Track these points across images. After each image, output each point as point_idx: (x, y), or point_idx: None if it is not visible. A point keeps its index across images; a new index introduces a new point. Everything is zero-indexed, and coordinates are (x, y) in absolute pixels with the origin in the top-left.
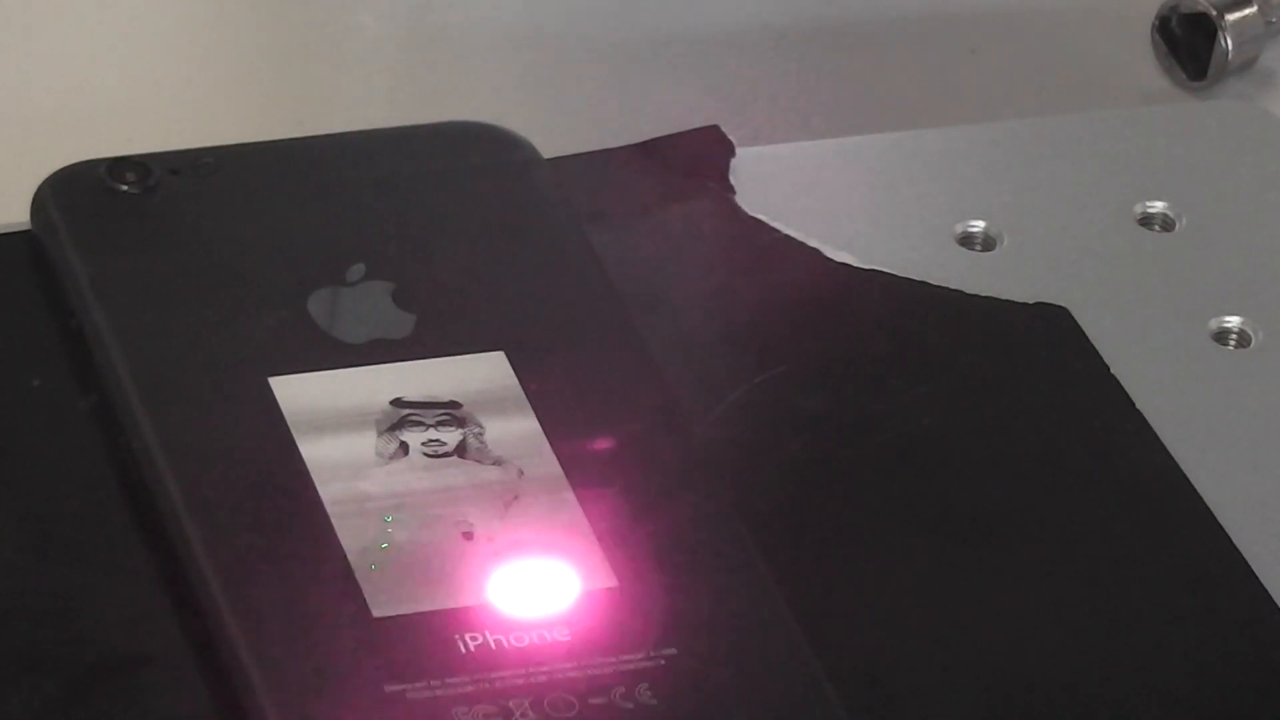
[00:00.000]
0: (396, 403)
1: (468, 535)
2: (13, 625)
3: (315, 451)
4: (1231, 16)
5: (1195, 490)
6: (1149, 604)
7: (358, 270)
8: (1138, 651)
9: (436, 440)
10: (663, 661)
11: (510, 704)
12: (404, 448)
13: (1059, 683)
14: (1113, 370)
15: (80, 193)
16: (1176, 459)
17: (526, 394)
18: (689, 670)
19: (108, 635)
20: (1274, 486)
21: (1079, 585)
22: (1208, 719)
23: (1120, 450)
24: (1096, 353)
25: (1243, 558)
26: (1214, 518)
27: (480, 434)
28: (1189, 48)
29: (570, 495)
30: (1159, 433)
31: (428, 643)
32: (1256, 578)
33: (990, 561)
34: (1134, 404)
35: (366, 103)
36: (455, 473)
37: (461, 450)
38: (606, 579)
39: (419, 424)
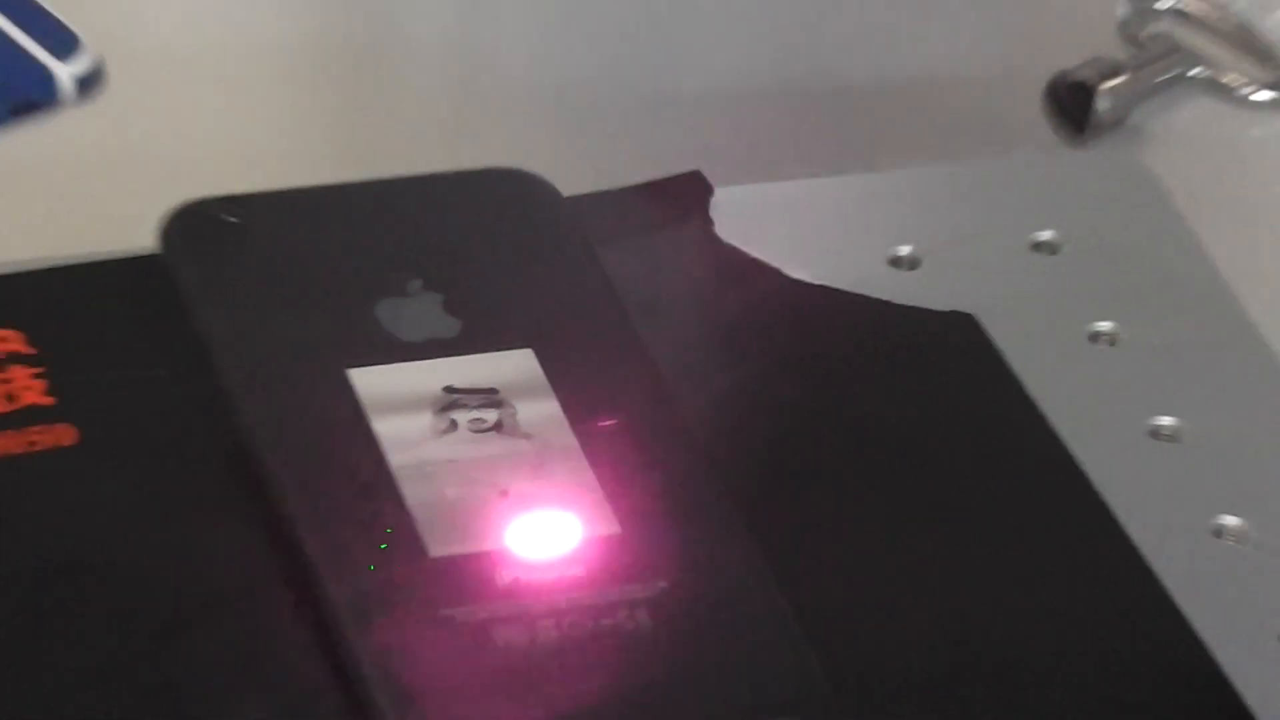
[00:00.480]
0: (448, 389)
1: (504, 493)
2: (158, 561)
3: (385, 427)
4: (1106, 85)
5: (1074, 460)
6: (1031, 561)
7: (416, 284)
8: (1029, 609)
9: (479, 419)
10: (656, 592)
11: (536, 624)
12: (454, 424)
13: (967, 631)
14: (1010, 365)
15: (197, 223)
16: (1060, 437)
17: (550, 383)
18: (677, 599)
19: (222, 569)
20: (1138, 458)
21: (980, 546)
22: (1086, 670)
23: (1013, 431)
24: (997, 351)
25: (1119, 524)
26: (1090, 482)
27: (513, 414)
28: (1073, 109)
29: (584, 462)
30: (1045, 415)
31: (472, 577)
32: (1130, 541)
33: (908, 522)
34: (1026, 392)
35: (423, 153)
36: (494, 444)
37: (499, 427)
38: (611, 527)
39: (465, 406)
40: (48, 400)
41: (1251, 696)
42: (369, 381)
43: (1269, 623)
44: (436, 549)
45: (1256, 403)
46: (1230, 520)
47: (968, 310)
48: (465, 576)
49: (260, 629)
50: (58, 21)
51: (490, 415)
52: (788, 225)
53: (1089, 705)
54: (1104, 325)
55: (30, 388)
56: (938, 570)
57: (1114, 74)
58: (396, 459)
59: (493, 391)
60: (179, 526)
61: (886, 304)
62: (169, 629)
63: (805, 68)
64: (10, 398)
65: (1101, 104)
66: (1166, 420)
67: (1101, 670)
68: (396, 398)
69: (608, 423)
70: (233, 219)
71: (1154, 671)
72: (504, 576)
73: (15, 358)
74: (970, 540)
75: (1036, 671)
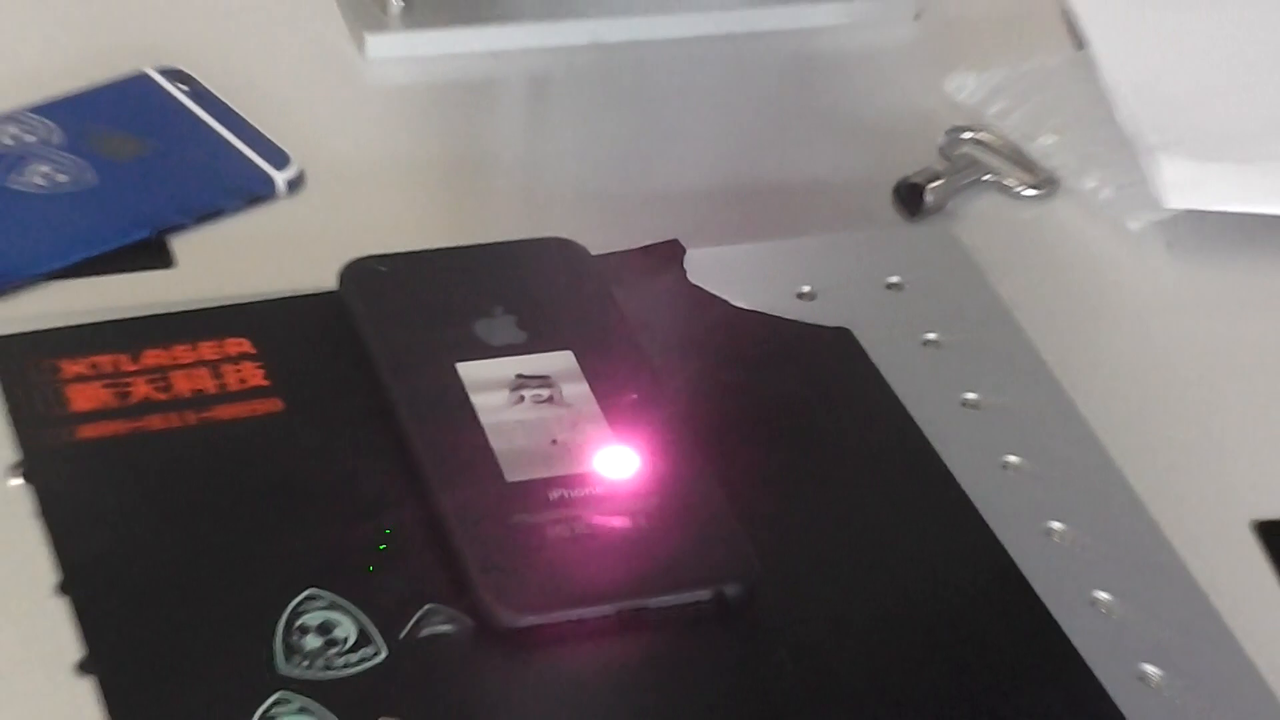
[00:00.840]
0: (519, 376)
1: (553, 441)
2: (333, 485)
3: (479, 400)
4: (931, 185)
5: (914, 420)
6: (884, 486)
7: (499, 309)
8: (885, 515)
9: (538, 394)
10: (650, 503)
11: (574, 524)
12: (522, 398)
13: (846, 530)
14: (873, 361)
15: (360, 272)
16: (904, 406)
17: (583, 372)
18: (665, 507)
19: (375, 489)
20: (954, 420)
21: (853, 475)
22: (922, 554)
23: (873, 404)
24: (865, 352)
25: (941, 461)
26: (924, 435)
27: (560, 392)
28: (910, 201)
29: (604, 422)
30: (895, 393)
31: (534, 495)
32: (949, 472)
33: (807, 460)
34: (883, 379)
35: (502, 227)
36: (547, 410)
37: (550, 400)
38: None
39: (529, 386)
40: (265, 382)
41: (1026, 569)
42: (469, 371)
43: (1036, 522)
44: (511, 476)
45: (1026, 381)
46: (1011, 458)
47: (846, 326)
48: (528, 494)
49: (399, 526)
50: (274, 144)
51: (545, 392)
52: (733, 273)
53: (924, 574)
54: (931, 335)
55: (254, 375)
56: (827, 492)
57: (936, 178)
58: (486, 419)
59: (546, 378)
60: (347, 463)
61: (794, 322)
62: (341, 525)
63: (745, 174)
64: (243, 381)
65: (928, 198)
66: (971, 395)
67: (934, 554)
68: (487, 381)
69: (621, 398)
70: (383, 269)
71: (963, 555)
72: (553, 493)
73: (245, 355)
74: (846, 471)
75: (889, 553)
